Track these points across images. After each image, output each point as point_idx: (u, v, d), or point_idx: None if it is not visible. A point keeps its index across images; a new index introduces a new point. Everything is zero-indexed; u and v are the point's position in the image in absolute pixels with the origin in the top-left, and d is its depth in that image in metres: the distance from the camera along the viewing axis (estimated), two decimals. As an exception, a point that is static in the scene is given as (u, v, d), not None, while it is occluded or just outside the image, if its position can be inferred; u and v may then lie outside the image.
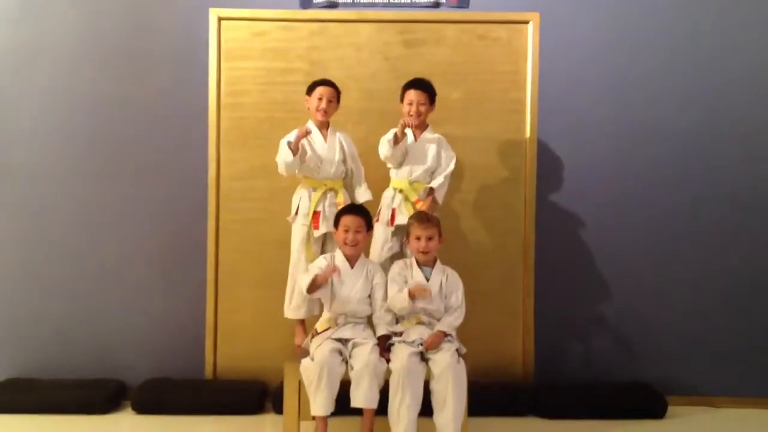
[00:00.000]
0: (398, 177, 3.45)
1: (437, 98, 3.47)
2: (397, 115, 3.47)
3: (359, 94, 3.69)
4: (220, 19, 3.82)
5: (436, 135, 3.47)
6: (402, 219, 3.35)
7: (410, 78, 3.50)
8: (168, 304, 3.85)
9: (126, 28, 3.84)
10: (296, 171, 3.37)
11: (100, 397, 3.60)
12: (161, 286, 3.85)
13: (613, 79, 3.87)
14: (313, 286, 2.99)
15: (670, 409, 3.63)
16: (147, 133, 3.85)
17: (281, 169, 3.36)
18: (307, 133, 3.29)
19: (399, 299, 3.02)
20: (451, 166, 3.44)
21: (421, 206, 3.34)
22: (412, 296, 2.97)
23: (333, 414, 2.90)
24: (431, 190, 3.40)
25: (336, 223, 3.17)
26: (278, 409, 3.46)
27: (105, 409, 3.59)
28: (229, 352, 3.83)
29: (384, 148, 3.36)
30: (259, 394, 3.67)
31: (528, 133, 3.85)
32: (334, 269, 3.00)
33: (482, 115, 3.85)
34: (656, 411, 3.61)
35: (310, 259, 3.33)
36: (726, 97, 3.86)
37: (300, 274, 3.28)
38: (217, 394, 3.64)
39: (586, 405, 3.61)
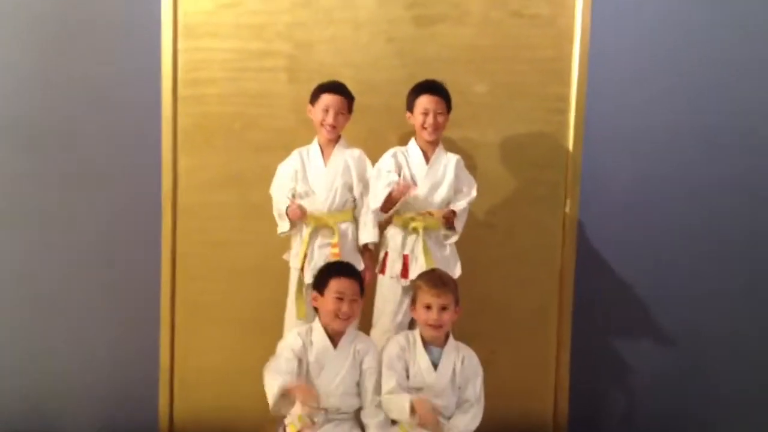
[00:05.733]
0: (409, 210, 2.77)
1: (458, 93, 2.87)
2: (405, 113, 2.85)
3: (357, 86, 2.95)
4: (177, -15, 3.08)
5: (451, 154, 2.86)
6: (420, 270, 2.69)
7: (423, 68, 2.95)
8: (114, 344, 3.21)
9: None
10: None
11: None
12: (106, 323, 3.21)
13: (683, 72, 3.15)
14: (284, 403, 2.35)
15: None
16: (83, 132, 3.14)
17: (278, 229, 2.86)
18: (302, 213, 2.76)
19: (397, 406, 2.38)
20: (474, 193, 2.83)
21: (437, 215, 2.73)
22: (414, 410, 2.32)
23: None
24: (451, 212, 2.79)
25: (320, 286, 2.50)
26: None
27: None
28: (189, 404, 3.22)
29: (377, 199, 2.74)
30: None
31: (571, 140, 3.15)
32: None
33: (514, 114, 3.15)
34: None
35: (301, 316, 2.74)
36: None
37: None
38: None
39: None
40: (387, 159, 2.80)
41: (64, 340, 3.21)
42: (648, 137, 3.17)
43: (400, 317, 2.77)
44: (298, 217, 2.74)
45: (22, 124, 3.13)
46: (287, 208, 2.74)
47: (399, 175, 2.75)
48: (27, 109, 3.12)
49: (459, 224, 2.78)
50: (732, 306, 3.22)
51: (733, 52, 3.14)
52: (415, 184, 2.73)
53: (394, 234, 2.80)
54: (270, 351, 2.64)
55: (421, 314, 2.47)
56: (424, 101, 2.75)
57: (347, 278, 2.47)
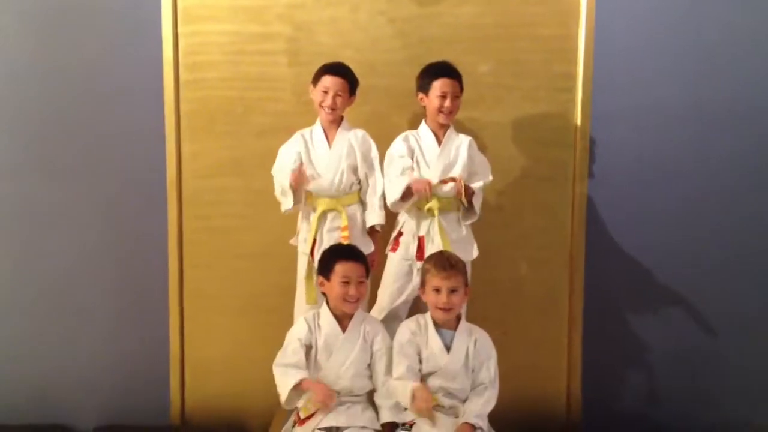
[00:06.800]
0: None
1: (462, 73, 2.81)
2: (409, 95, 2.83)
3: (358, 67, 2.89)
4: (174, -32, 3.03)
5: (463, 136, 2.81)
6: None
7: (425, 48, 2.93)
8: (123, 333, 3.21)
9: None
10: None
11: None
12: (113, 312, 3.20)
13: (691, 47, 3.08)
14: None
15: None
16: (85, 119, 3.11)
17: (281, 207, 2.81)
18: (302, 175, 2.72)
19: (402, 392, 2.34)
20: (490, 177, 2.80)
21: (459, 181, 2.66)
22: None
23: None
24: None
25: (326, 271, 2.46)
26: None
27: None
28: (200, 392, 3.20)
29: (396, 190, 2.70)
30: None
31: (579, 118, 3.08)
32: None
33: (520, 93, 3.08)
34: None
35: (311, 301, 2.71)
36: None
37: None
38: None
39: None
40: (398, 143, 2.76)
41: (74, 331, 3.19)
42: (656, 114, 3.11)
43: (402, 298, 2.73)
44: (300, 182, 2.69)
45: (24, 114, 3.10)
46: (292, 171, 2.68)
47: (411, 159, 2.71)
48: (27, 99, 3.09)
49: (477, 203, 2.73)
50: (744, 283, 3.17)
51: (743, 25, 3.06)
52: (429, 183, 2.65)
53: (408, 216, 2.74)
54: (279, 337, 2.62)
55: (430, 297, 2.42)
56: (441, 84, 2.70)
57: (352, 261, 2.43)
